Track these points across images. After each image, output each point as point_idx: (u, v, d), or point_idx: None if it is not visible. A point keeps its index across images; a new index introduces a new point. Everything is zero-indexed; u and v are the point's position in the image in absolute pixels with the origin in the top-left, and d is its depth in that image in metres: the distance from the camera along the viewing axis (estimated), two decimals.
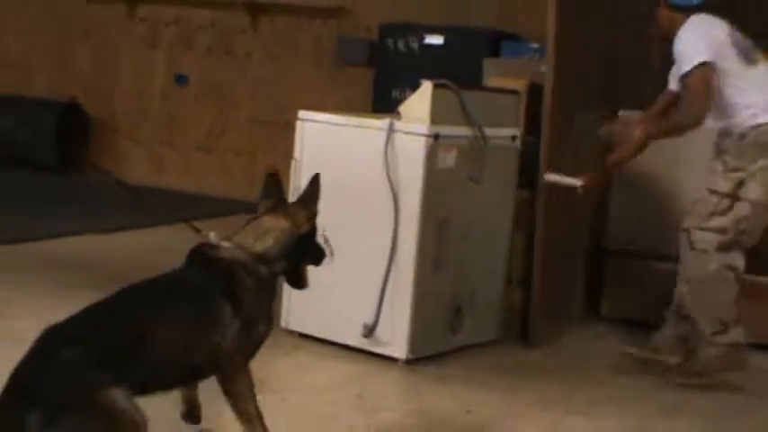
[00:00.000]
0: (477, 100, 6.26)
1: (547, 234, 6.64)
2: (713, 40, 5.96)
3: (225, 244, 4.01)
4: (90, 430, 3.42)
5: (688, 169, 7.27)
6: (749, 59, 6.06)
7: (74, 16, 12.64)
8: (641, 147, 6.19)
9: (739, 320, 6.03)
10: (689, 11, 6.10)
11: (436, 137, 5.86)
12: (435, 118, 5.90)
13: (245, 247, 3.99)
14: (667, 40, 6.10)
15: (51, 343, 3.50)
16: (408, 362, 5.91)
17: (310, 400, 5.32)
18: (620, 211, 7.52)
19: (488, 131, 6.23)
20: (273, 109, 11.46)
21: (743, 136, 5.95)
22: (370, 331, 5.94)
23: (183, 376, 3.91)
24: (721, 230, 5.94)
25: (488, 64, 8.41)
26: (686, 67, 5.89)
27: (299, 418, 5.00)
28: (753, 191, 5.92)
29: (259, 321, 3.99)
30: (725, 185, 5.96)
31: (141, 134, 12.47)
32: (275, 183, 4.19)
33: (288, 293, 6.15)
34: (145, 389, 3.63)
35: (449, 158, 5.99)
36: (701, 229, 5.97)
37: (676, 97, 6.22)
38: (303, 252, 4.17)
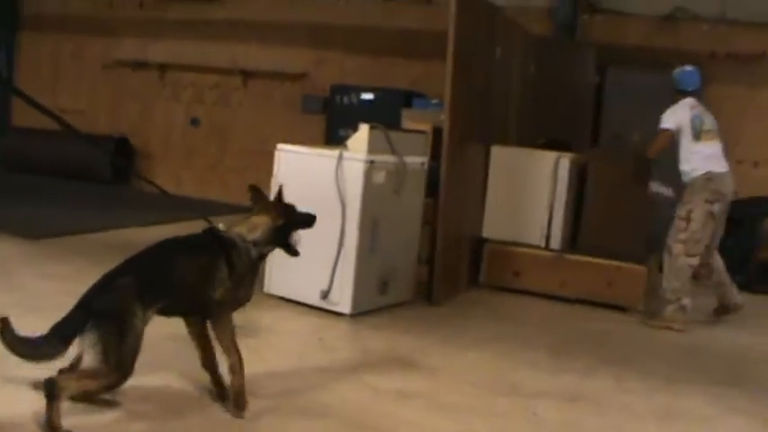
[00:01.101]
0: (399, 137, 6.20)
1: (444, 228, 6.59)
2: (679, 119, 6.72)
3: (230, 231, 4.02)
4: (112, 335, 3.43)
5: (533, 186, 7.31)
6: (697, 137, 6.67)
7: (124, 80, 12.53)
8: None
9: (689, 294, 6.65)
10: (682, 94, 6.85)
11: (371, 162, 5.82)
12: (371, 149, 5.85)
13: (242, 236, 3.99)
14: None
15: (109, 277, 3.59)
16: (352, 316, 5.86)
17: (287, 343, 5.26)
18: (491, 213, 7.49)
19: (407, 159, 6.17)
20: (257, 142, 11.33)
21: (690, 183, 6.66)
22: (325, 294, 5.88)
23: (189, 309, 3.89)
24: (684, 241, 6.61)
25: (405, 113, 8.36)
26: (661, 125, 6.75)
27: (280, 355, 4.93)
28: (697, 215, 6.58)
29: (244, 287, 3.96)
30: (682, 213, 6.65)
31: (167, 159, 12.35)
32: (258, 192, 4.17)
33: (269, 267, 6.10)
34: (166, 312, 3.73)
35: (380, 177, 5.93)
36: (676, 242, 6.65)
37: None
38: (284, 235, 4.16)
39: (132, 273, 3.60)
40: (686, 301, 6.63)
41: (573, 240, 7.51)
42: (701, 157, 6.66)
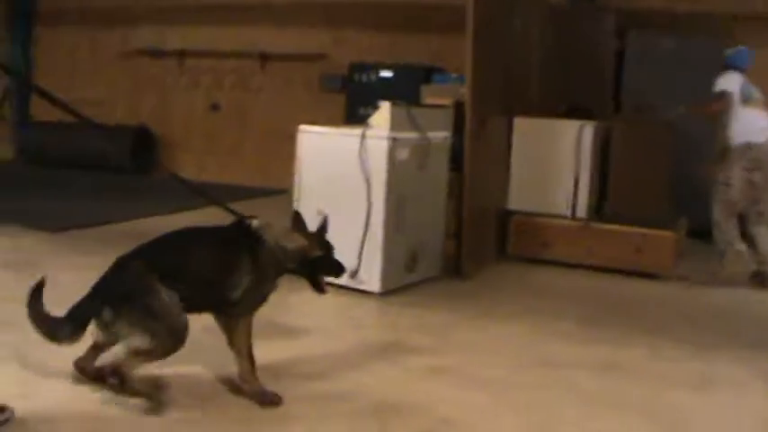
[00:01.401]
0: (421, 113, 6.17)
1: (470, 202, 6.56)
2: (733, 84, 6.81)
3: (265, 229, 3.83)
4: (145, 319, 3.38)
5: (557, 155, 7.26)
6: (746, 102, 6.79)
7: (142, 68, 12.53)
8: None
9: (739, 240, 6.92)
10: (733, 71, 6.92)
11: (394, 139, 5.78)
12: (393, 126, 5.81)
13: (276, 237, 3.81)
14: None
15: (122, 260, 3.55)
16: (381, 294, 5.84)
17: (317, 323, 5.24)
18: (516, 184, 7.45)
19: (429, 134, 6.13)
20: (278, 125, 11.36)
21: (732, 149, 6.79)
22: (354, 274, 5.83)
23: (206, 304, 3.71)
24: (722, 202, 6.86)
25: (425, 89, 8.29)
26: (719, 88, 6.81)
27: (312, 335, 4.93)
28: (736, 182, 6.78)
29: (266, 285, 3.79)
30: (722, 179, 6.84)
31: (189, 145, 12.37)
32: (299, 219, 3.95)
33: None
34: (186, 296, 3.54)
35: (404, 154, 5.89)
36: (715, 203, 6.89)
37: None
38: (315, 267, 3.96)
39: (143, 256, 3.53)
40: (739, 246, 6.91)
41: (599, 209, 7.46)
42: (744, 124, 6.79)
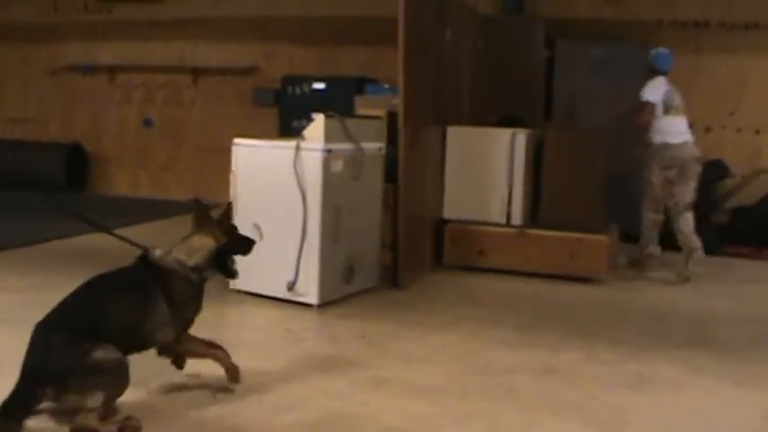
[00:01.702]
0: (354, 124, 6.15)
1: (405, 211, 6.57)
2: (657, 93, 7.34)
3: (167, 258, 3.79)
4: (91, 381, 3.33)
5: (491, 163, 7.32)
6: (666, 111, 7.35)
7: (74, 85, 12.32)
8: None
9: (655, 243, 7.64)
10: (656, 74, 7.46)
11: (329, 151, 5.77)
12: (327, 138, 5.79)
13: (181, 262, 3.79)
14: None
15: (43, 335, 3.39)
16: (319, 306, 5.82)
17: (255, 337, 5.21)
18: (450, 193, 7.49)
19: (364, 145, 6.13)
20: (211, 138, 11.30)
21: (652, 151, 7.43)
22: (291, 286, 5.83)
23: (136, 345, 3.67)
24: (648, 201, 7.54)
25: (358, 100, 8.29)
26: (644, 98, 7.31)
27: (250, 349, 4.82)
28: (655, 179, 7.44)
29: (186, 310, 3.80)
30: (647, 178, 7.49)
31: (122, 161, 12.19)
32: (203, 208, 3.96)
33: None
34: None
35: (338, 165, 5.88)
36: (645, 201, 7.55)
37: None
38: (225, 256, 3.96)
39: (65, 327, 3.40)
40: (652, 248, 7.62)
41: (534, 215, 7.53)
42: (663, 128, 7.38)
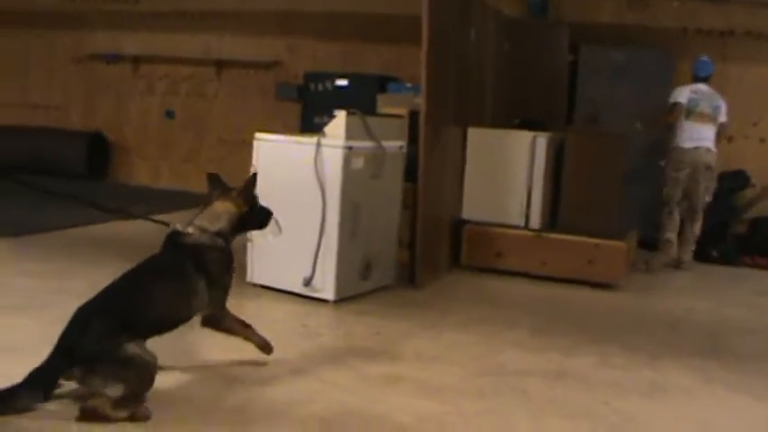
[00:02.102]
0: (376, 122, 6.17)
1: (424, 211, 6.59)
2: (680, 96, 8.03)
3: (189, 230, 3.92)
4: (117, 371, 3.40)
5: (511, 166, 7.33)
6: (687, 116, 7.96)
7: (98, 74, 12.39)
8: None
9: (671, 231, 8.17)
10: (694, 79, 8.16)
11: (350, 148, 5.79)
12: (348, 135, 5.81)
13: (205, 229, 3.93)
14: None
15: (83, 317, 3.48)
16: (335, 302, 5.84)
17: (271, 331, 5.16)
18: (469, 195, 7.50)
19: (384, 143, 6.14)
20: (233, 132, 11.36)
21: (668, 154, 8.14)
22: (308, 281, 5.85)
23: (176, 325, 3.85)
24: (665, 197, 8.14)
25: (380, 98, 8.32)
26: (671, 100, 8.01)
27: None
28: (668, 180, 8.09)
29: (224, 277, 3.99)
30: (665, 176, 8.13)
31: (144, 152, 12.26)
32: (216, 179, 4.12)
33: (251, 257, 6.10)
34: (152, 335, 3.67)
35: (358, 162, 5.90)
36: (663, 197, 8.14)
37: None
38: (247, 223, 4.17)
39: (106, 314, 3.50)
40: (669, 234, 8.14)
41: (552, 219, 7.54)
42: (681, 132, 7.99)
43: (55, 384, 3.38)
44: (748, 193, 9.08)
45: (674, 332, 5.90)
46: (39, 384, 3.32)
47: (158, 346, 3.68)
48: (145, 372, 3.49)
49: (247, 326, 4.24)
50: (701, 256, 8.42)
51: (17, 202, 9.17)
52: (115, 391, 3.40)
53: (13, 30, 12.75)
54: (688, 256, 8.22)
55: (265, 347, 4.29)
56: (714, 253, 8.51)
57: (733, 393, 4.58)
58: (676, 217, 8.17)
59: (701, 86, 8.09)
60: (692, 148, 7.94)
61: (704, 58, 8.22)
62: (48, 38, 12.61)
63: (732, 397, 4.54)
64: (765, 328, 6.23)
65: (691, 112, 7.96)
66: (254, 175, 4.21)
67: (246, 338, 4.24)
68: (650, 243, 8.39)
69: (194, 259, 3.84)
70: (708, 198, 8.11)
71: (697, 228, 8.17)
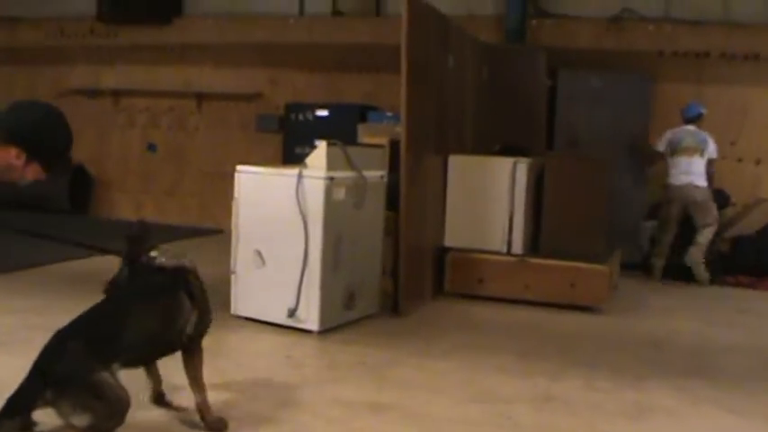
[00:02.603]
0: (357, 152, 6.22)
1: (406, 239, 6.61)
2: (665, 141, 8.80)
3: (173, 258, 3.91)
4: (86, 399, 3.34)
5: (492, 192, 7.35)
6: (672, 153, 8.71)
7: (79, 108, 12.29)
8: None
9: (660, 257, 8.80)
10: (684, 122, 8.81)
11: (331, 179, 5.80)
12: (330, 166, 5.84)
13: (189, 259, 3.96)
14: None
15: (60, 340, 3.43)
16: (320, 332, 5.83)
17: (255, 362, 5.22)
18: (451, 222, 7.52)
19: (365, 173, 6.17)
20: (214, 164, 11.39)
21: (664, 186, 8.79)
22: (292, 312, 5.84)
23: (159, 352, 3.82)
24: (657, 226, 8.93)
25: (361, 128, 8.36)
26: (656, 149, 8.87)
27: (250, 375, 4.87)
28: (662, 212, 8.84)
29: (205, 303, 3.93)
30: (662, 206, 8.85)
31: (126, 186, 12.29)
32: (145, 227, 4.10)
33: (234, 289, 6.09)
34: (133, 363, 3.66)
35: (340, 193, 5.92)
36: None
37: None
38: None
39: (82, 336, 3.44)
40: (653, 259, 8.81)
41: (534, 244, 7.56)
42: (671, 169, 8.71)
43: (32, 407, 3.33)
44: (729, 212, 9.16)
45: (659, 353, 5.92)
46: (17, 411, 3.29)
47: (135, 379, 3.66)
48: (116, 406, 3.41)
49: (206, 391, 3.92)
50: (685, 275, 8.51)
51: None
52: (81, 420, 3.33)
53: None
54: (700, 271, 8.60)
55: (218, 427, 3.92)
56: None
57: (720, 412, 4.61)
58: (665, 245, 8.77)
59: (687, 127, 8.74)
60: (680, 186, 8.64)
61: (692, 102, 8.85)
62: (30, 73, 12.62)
63: (719, 416, 4.56)
64: (750, 347, 6.26)
65: (676, 148, 8.66)
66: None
67: (199, 408, 3.89)
68: (635, 265, 8.66)
69: (183, 282, 3.82)
70: (709, 221, 8.60)
71: (705, 235, 8.60)
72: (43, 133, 3.39)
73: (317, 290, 5.80)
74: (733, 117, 9.45)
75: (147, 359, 3.78)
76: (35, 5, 12.50)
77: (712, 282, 8.52)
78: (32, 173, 3.30)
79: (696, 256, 8.56)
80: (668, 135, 8.78)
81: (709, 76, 9.47)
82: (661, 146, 8.79)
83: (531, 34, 10.16)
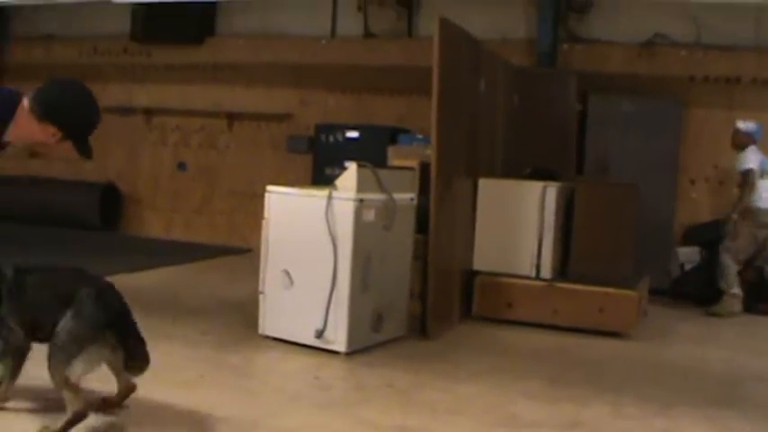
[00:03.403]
0: (387, 174, 6.25)
1: (435, 262, 6.63)
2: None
3: None
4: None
5: (521, 216, 7.36)
6: (762, 176, 8.35)
7: (110, 126, 12.43)
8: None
9: (736, 286, 8.40)
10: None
11: (361, 201, 5.84)
12: (360, 188, 5.87)
13: None
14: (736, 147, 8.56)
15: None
16: (347, 353, 5.85)
17: (283, 382, 5.25)
18: (480, 245, 7.53)
19: (395, 196, 6.20)
20: (244, 184, 11.48)
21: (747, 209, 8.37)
22: (320, 333, 5.86)
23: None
24: (730, 250, 8.43)
25: (391, 150, 8.40)
26: (743, 166, 8.37)
27: (278, 395, 4.91)
28: (742, 233, 8.39)
29: None
30: (732, 230, 8.42)
31: (156, 203, 12.41)
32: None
33: (263, 309, 6.13)
34: None
35: (370, 215, 5.95)
36: (725, 250, 8.44)
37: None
38: None
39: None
40: (736, 290, 8.35)
41: (563, 269, 7.56)
42: (763, 192, 8.35)
43: None
44: None
45: (687, 381, 5.89)
46: None
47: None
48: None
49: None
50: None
51: (30, 251, 9.26)
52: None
53: (31, 83, 12.86)
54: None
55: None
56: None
57: None
58: (736, 271, 8.52)
59: (757, 149, 8.49)
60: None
61: (755, 124, 8.61)
62: None
63: None
64: None
65: (765, 171, 8.42)
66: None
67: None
68: (664, 291, 8.57)
69: None
70: None
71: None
72: (80, 116, 3.53)
73: (346, 311, 5.83)
74: (765, 143, 9.39)
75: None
76: (70, 24, 12.71)
77: (748, 310, 8.45)
78: (65, 150, 3.43)
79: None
80: (755, 155, 8.43)
81: (740, 101, 9.43)
82: (751, 162, 8.37)
83: (563, 58, 10.20)
